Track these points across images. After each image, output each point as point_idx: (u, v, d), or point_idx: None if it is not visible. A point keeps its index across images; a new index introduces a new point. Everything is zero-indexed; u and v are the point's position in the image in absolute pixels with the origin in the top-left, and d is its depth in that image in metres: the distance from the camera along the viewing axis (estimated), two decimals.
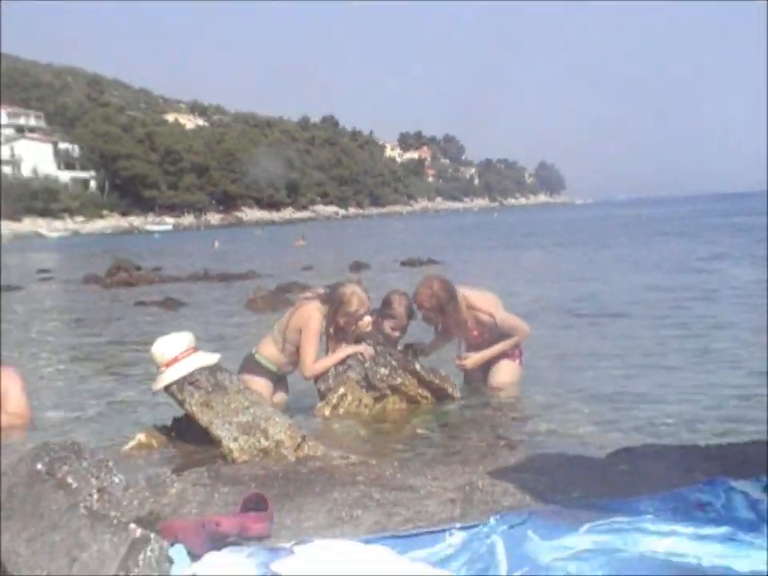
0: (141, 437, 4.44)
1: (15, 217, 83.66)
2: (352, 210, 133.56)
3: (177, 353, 4.30)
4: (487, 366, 6.05)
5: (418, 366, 5.57)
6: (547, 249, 28.35)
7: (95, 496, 3.03)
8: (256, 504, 2.84)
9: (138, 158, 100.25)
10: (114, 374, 7.89)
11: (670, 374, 6.72)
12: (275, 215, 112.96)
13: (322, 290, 5.94)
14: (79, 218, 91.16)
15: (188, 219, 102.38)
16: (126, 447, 4.39)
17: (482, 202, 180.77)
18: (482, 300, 5.92)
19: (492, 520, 2.66)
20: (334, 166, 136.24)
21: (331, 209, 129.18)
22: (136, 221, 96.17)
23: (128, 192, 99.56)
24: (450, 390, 5.63)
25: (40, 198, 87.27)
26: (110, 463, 3.28)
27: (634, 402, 5.74)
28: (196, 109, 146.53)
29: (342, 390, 5.44)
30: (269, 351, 5.74)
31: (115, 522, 2.46)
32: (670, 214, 60.10)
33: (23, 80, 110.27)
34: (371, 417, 5.33)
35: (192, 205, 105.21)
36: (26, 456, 3.10)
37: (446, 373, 5.75)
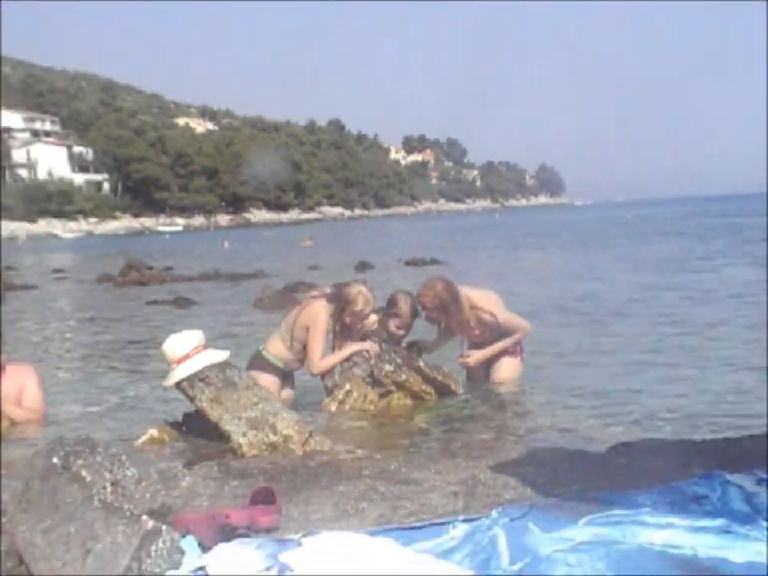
0: (153, 432, 4.45)
1: (31, 218, 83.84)
2: (357, 212, 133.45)
3: (187, 350, 4.30)
4: (489, 363, 6.05)
5: (421, 363, 5.57)
6: (548, 249, 28.32)
7: (109, 489, 3.04)
8: (265, 497, 2.84)
9: (150, 161, 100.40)
10: (126, 370, 7.90)
11: (667, 371, 6.71)
12: (283, 216, 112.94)
13: (328, 289, 5.95)
14: (93, 220, 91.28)
15: (198, 220, 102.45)
16: (139, 442, 4.39)
17: (483, 204, 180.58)
18: (483, 300, 5.92)
19: (494, 513, 2.66)
20: (340, 169, 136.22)
21: (337, 210, 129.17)
22: (148, 222, 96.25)
23: (140, 194, 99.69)
24: (453, 386, 5.63)
25: (55, 200, 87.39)
26: (123, 457, 3.28)
27: (632, 398, 5.74)
28: (206, 113, 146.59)
29: (347, 387, 5.45)
30: (276, 348, 5.74)
31: (128, 514, 2.46)
32: (670, 215, 60.06)
33: (38, 86, 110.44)
34: (376, 412, 5.33)
35: (202, 206, 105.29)
36: (42, 450, 3.11)
37: (449, 369, 5.75)
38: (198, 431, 4.35)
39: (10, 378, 5.48)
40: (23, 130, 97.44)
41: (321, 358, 5.58)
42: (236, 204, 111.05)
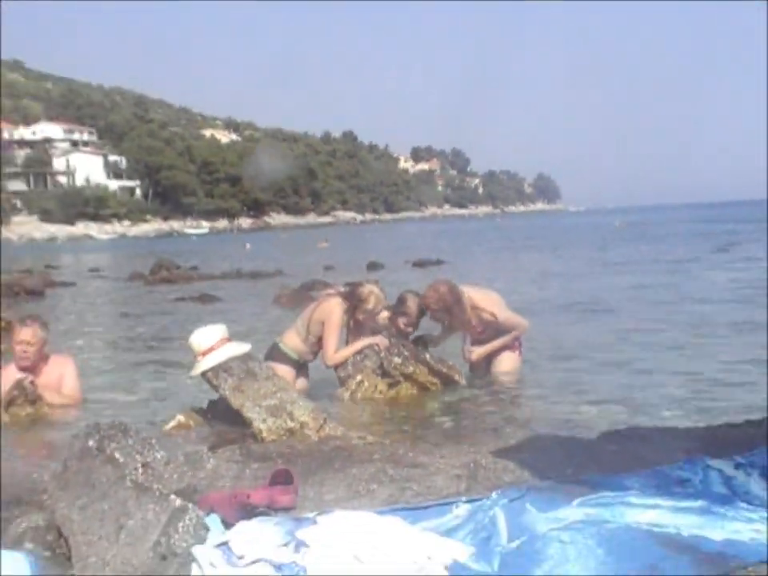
0: (180, 418, 4.46)
1: (69, 221, 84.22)
2: (369, 216, 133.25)
3: (212, 343, 4.31)
4: (490, 357, 6.05)
5: (427, 356, 5.58)
6: (545, 251, 28.26)
7: (140, 470, 3.05)
8: (283, 479, 2.85)
9: (178, 169, 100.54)
10: (155, 361, 7.92)
11: (654, 364, 6.70)
12: (300, 220, 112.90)
13: (342, 288, 5.96)
14: (126, 222, 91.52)
15: (222, 223, 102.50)
16: (167, 427, 4.41)
17: (485, 209, 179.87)
18: (485, 300, 5.91)
19: (494, 494, 2.66)
20: (353, 176, 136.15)
21: (350, 214, 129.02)
22: (176, 225, 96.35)
23: (169, 199, 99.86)
24: (456, 378, 5.63)
25: (91, 205, 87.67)
26: (153, 441, 3.29)
27: (621, 388, 5.72)
28: (230, 125, 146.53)
29: (359, 377, 5.45)
30: (292, 341, 5.74)
31: (157, 493, 2.47)
32: (656, 220, 59.85)
33: (78, 100, 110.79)
34: (386, 401, 5.34)
35: (226, 211, 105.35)
36: (79, 434, 3.12)
37: (453, 362, 5.75)
38: (221, 417, 4.36)
39: (51, 367, 5.52)
40: (63, 141, 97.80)
41: (335, 351, 5.58)
42: (257, 209, 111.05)
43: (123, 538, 2.34)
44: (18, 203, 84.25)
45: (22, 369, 5.38)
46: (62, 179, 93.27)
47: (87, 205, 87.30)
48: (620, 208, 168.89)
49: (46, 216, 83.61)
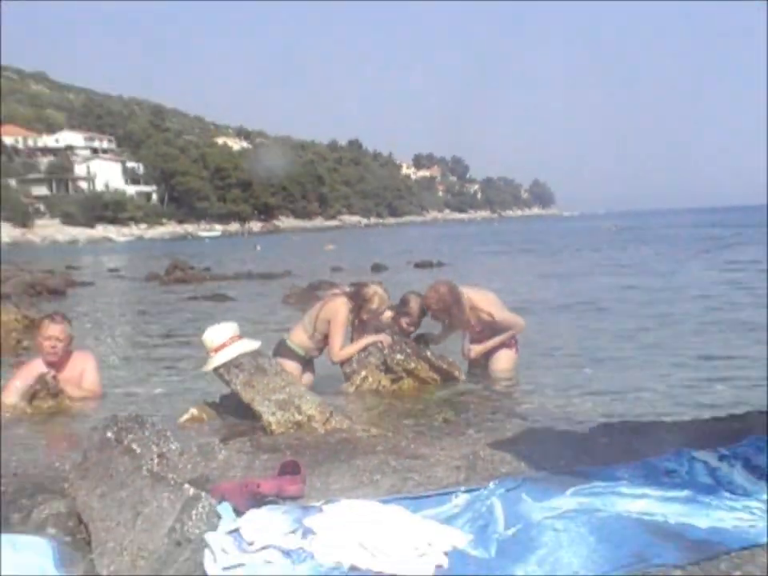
0: (193, 411, 4.47)
1: (89, 224, 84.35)
2: (373, 220, 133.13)
3: (224, 340, 4.32)
4: (488, 354, 6.04)
5: (428, 353, 5.58)
6: (540, 253, 28.23)
7: (155, 460, 3.05)
8: (291, 469, 2.85)
9: (193, 175, 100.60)
10: (170, 357, 7.92)
11: (644, 360, 6.69)
12: (307, 223, 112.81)
13: (347, 288, 5.96)
14: (143, 225, 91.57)
15: (234, 227, 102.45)
16: (181, 419, 4.41)
17: (483, 214, 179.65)
18: (483, 300, 5.90)
19: (491, 484, 2.66)
20: (359, 182, 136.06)
21: (355, 218, 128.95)
22: (190, 228, 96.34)
23: (184, 203, 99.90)
24: (456, 374, 5.63)
25: (110, 208, 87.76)
26: (168, 433, 3.30)
27: (613, 384, 5.72)
28: (242, 133, 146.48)
29: (364, 373, 5.45)
30: (299, 338, 5.74)
31: (172, 482, 2.47)
32: (645, 225, 59.73)
33: (98, 110, 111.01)
34: (389, 396, 5.33)
35: (237, 214, 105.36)
36: (98, 426, 3.13)
37: (453, 359, 5.75)
38: (232, 411, 4.36)
39: (74, 363, 5.53)
40: (84, 148, 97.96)
41: (341, 348, 5.58)
42: (267, 212, 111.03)
43: (140, 525, 2.35)
44: (42, 207, 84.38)
45: (49, 364, 5.38)
46: (83, 184, 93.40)
47: (106, 209, 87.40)
48: (614, 213, 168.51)
49: (68, 219, 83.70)
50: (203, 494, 2.41)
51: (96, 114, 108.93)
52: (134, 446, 2.99)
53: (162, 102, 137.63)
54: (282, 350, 5.72)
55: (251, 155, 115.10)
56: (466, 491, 2.65)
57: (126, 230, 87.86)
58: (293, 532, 2.26)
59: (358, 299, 5.64)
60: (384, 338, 5.61)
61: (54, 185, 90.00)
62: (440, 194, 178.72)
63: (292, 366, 5.49)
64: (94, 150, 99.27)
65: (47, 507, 2.71)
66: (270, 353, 5.19)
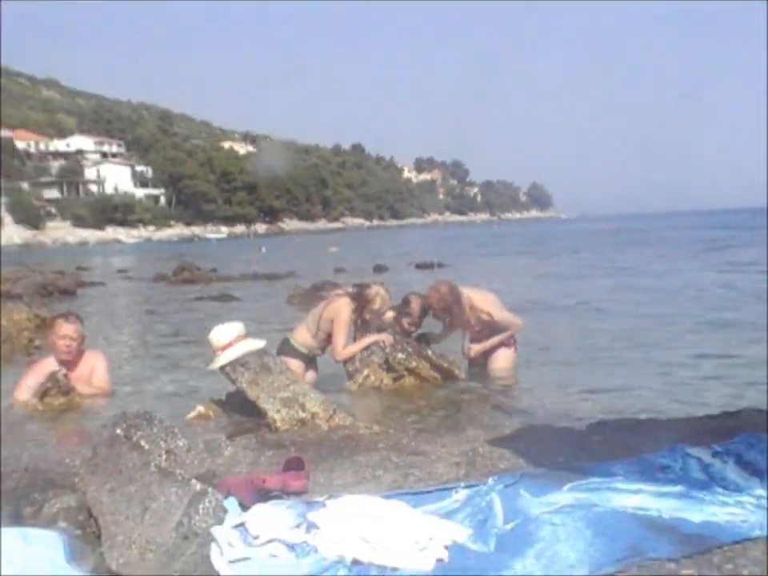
0: (200, 408, 4.47)
1: (99, 226, 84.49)
2: (375, 222, 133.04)
3: (230, 339, 4.32)
4: (488, 353, 6.04)
5: (429, 352, 5.58)
6: (538, 255, 28.21)
7: (163, 456, 3.06)
8: (295, 465, 2.85)
9: (200, 178, 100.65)
10: (178, 356, 7.92)
11: (638, 358, 6.69)
12: (311, 226, 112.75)
13: (350, 289, 5.96)
14: (151, 227, 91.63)
15: (240, 229, 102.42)
16: (189, 416, 4.41)
17: (483, 216, 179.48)
18: (482, 301, 5.90)
19: (490, 480, 2.66)
20: (361, 185, 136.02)
21: (358, 221, 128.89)
22: (197, 230, 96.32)
23: (191, 206, 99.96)
24: (456, 372, 5.62)
25: (119, 211, 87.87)
26: (176, 429, 3.30)
27: (610, 382, 5.72)
28: (248, 138, 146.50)
29: (366, 371, 5.45)
30: (302, 337, 5.74)
31: (180, 478, 2.48)
32: (636, 227, 59.65)
33: (107, 115, 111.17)
34: (391, 394, 5.33)
35: (243, 217, 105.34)
36: (108, 423, 3.13)
37: (453, 358, 5.74)
38: (238, 408, 4.36)
39: (85, 361, 5.54)
40: (94, 152, 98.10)
41: (344, 347, 5.59)
42: (272, 215, 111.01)
43: (148, 519, 2.35)
44: (53, 210, 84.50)
45: (62, 362, 5.39)
46: (93, 188, 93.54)
47: (116, 211, 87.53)
48: (612, 215, 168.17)
49: (78, 221, 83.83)
50: (210, 489, 2.41)
51: (106, 119, 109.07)
52: (143, 443, 3.00)
53: (169, 106, 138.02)
54: (286, 348, 5.72)
55: (256, 159, 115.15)
56: (466, 487, 2.65)
57: (134, 231, 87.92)
58: (297, 526, 2.26)
59: (360, 299, 5.64)
60: (386, 337, 5.61)
61: (65, 188, 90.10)
62: (440, 196, 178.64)
63: (296, 365, 5.50)
64: (104, 154, 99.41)
65: (58, 502, 2.71)
66: (275, 352, 5.20)
